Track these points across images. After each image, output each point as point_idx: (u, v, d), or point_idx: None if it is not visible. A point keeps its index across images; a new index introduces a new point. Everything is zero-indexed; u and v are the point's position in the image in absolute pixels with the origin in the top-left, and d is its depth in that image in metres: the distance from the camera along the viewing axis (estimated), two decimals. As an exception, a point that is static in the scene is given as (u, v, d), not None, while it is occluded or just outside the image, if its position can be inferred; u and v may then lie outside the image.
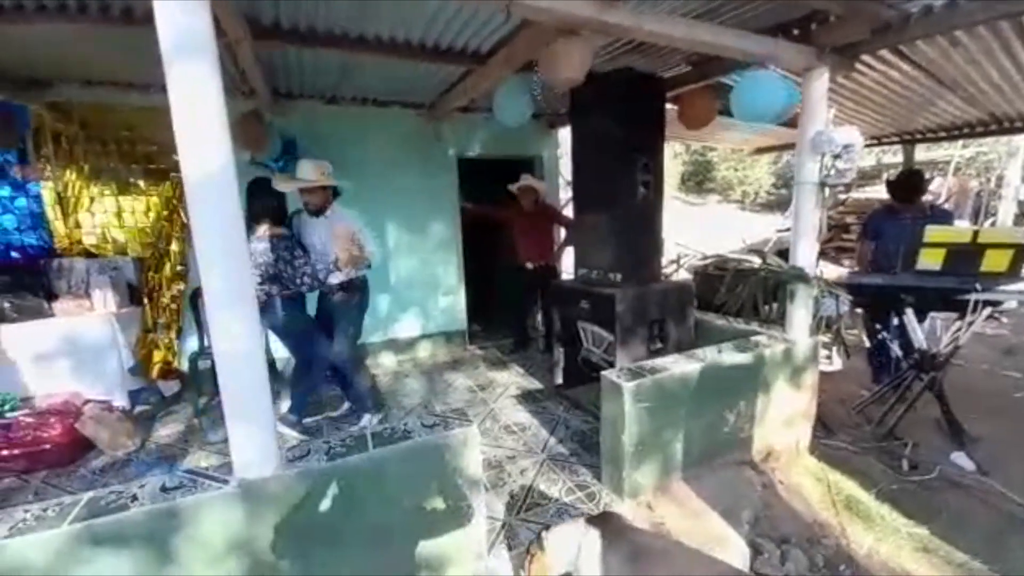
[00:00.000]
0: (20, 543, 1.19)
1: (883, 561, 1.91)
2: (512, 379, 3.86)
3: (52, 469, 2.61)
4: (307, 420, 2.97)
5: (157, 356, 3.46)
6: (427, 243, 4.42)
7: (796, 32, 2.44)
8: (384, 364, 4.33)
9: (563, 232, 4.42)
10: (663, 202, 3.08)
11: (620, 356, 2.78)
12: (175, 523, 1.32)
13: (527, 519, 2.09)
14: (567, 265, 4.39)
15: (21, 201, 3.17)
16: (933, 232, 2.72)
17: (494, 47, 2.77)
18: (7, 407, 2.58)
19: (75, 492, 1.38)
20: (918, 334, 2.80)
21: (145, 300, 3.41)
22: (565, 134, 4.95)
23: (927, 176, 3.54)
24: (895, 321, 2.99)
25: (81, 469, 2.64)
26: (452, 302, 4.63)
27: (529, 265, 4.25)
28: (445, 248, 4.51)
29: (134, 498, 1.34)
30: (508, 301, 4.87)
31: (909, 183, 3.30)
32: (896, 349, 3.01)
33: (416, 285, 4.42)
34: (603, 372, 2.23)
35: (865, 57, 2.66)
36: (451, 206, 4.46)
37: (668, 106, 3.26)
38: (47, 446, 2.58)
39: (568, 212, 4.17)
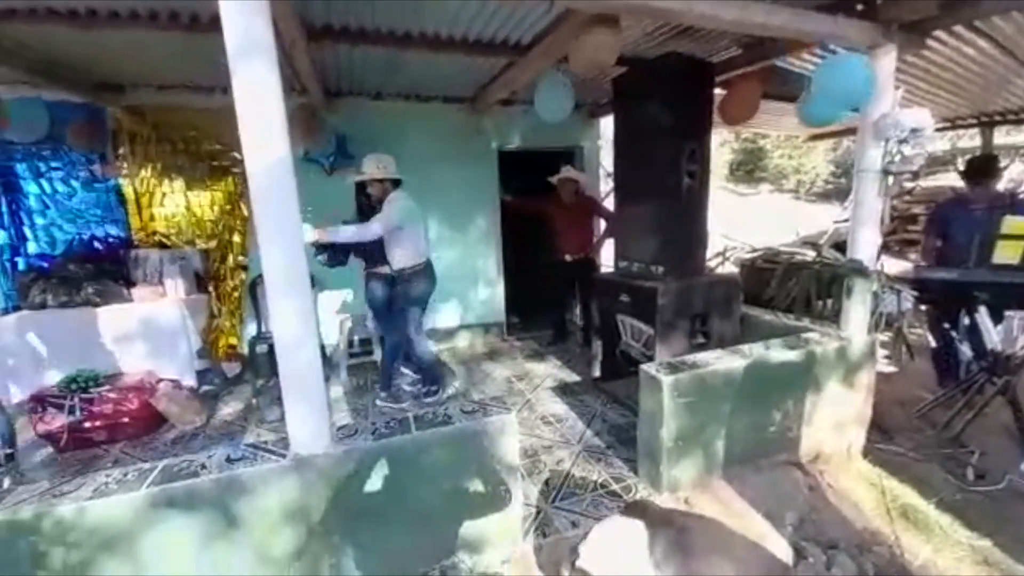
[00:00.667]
0: (103, 504, 1.33)
1: (940, 573, 1.80)
2: (549, 371, 3.88)
3: (129, 440, 2.88)
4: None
5: (222, 340, 3.73)
6: (467, 235, 4.49)
7: (860, 8, 2.28)
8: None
9: (603, 224, 4.37)
10: (709, 192, 2.98)
11: (660, 350, 2.73)
12: (238, 490, 1.44)
13: (562, 507, 2.12)
14: (607, 258, 4.35)
15: (102, 196, 3.50)
16: (1012, 223, 2.49)
17: (535, 38, 2.76)
18: (91, 383, 2.87)
19: (149, 461, 1.53)
20: (992, 334, 2.58)
21: (211, 288, 3.68)
22: (606, 124, 4.88)
23: (1005, 162, 3.22)
24: (966, 320, 2.77)
25: (155, 441, 2.91)
26: (491, 294, 4.69)
27: (568, 257, 4.23)
28: (485, 240, 4.57)
29: (203, 467, 1.47)
30: (547, 293, 4.88)
31: (981, 166, 3.04)
32: (966, 350, 2.79)
33: (456, 276, 4.50)
34: (642, 366, 2.21)
35: (937, 33, 2.45)
36: (491, 199, 4.50)
37: (717, 92, 3.15)
38: (126, 419, 2.86)
39: (608, 204, 4.11)
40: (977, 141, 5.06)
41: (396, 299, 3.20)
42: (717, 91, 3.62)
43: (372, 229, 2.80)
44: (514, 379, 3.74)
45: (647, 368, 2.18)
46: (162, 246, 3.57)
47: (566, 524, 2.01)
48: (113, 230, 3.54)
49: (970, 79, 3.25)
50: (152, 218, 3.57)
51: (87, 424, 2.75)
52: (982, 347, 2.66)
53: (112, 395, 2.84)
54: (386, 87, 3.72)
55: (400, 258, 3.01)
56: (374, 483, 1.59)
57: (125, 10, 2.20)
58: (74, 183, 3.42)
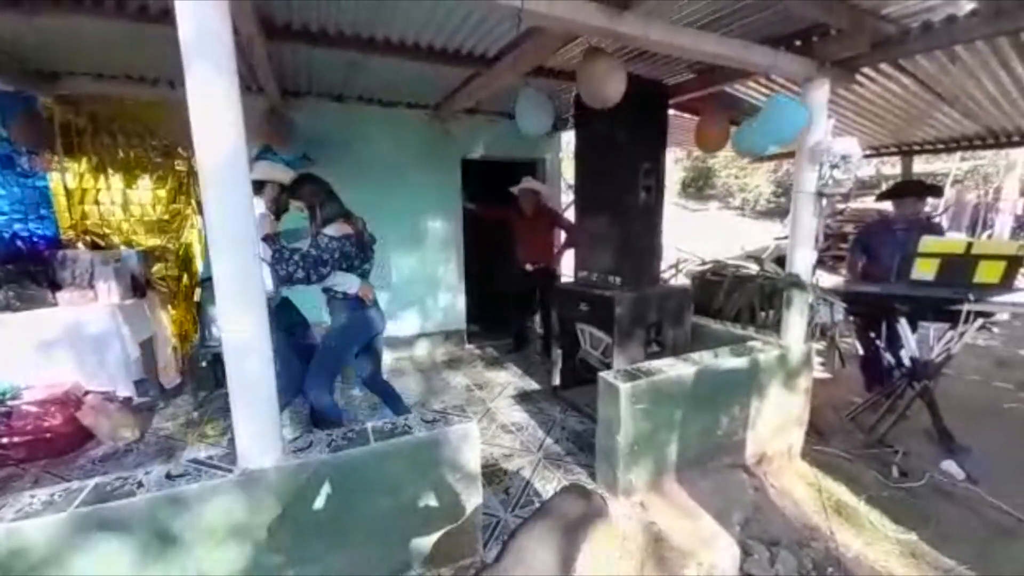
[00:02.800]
0: (27, 526, 1.22)
1: (870, 565, 1.95)
2: (510, 379, 3.89)
3: (52, 458, 2.63)
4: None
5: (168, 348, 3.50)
6: (429, 242, 4.46)
7: (798, 44, 2.49)
8: (384, 360, 4.35)
9: (563, 235, 4.46)
10: (664, 207, 3.12)
11: (618, 358, 2.81)
12: (179, 509, 1.35)
13: (522, 516, 2.12)
14: (567, 268, 4.43)
15: (28, 191, 3.20)
16: (928, 242, 2.76)
17: (501, 51, 2.81)
18: (8, 395, 2.60)
19: (74, 480, 1.41)
20: (911, 343, 2.85)
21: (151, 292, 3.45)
22: (568, 138, 5.01)
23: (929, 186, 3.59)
24: (888, 330, 3.04)
25: (81, 459, 2.67)
26: (452, 301, 4.66)
27: (528, 267, 4.29)
28: (446, 247, 4.55)
29: (140, 484, 1.37)
30: (507, 302, 4.91)
31: (903, 188, 3.39)
32: (889, 357, 3.06)
33: (416, 283, 4.45)
34: (600, 373, 2.27)
35: (865, 70, 2.71)
36: (454, 206, 4.49)
37: (673, 112, 3.31)
38: (48, 435, 2.60)
39: (570, 215, 4.21)
40: (899, 168, 5.59)
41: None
42: (688, 116, 3.83)
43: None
44: (474, 387, 3.72)
45: (605, 375, 2.24)
46: (95, 246, 3.30)
47: (525, 532, 2.01)
48: (39, 228, 3.25)
49: (894, 112, 3.59)
50: (84, 216, 3.30)
51: (3, 440, 2.50)
52: (902, 355, 2.92)
53: (32, 408, 2.59)
54: (347, 89, 3.66)
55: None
56: (328, 497, 1.54)
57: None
58: (-4, 176, 3.12)
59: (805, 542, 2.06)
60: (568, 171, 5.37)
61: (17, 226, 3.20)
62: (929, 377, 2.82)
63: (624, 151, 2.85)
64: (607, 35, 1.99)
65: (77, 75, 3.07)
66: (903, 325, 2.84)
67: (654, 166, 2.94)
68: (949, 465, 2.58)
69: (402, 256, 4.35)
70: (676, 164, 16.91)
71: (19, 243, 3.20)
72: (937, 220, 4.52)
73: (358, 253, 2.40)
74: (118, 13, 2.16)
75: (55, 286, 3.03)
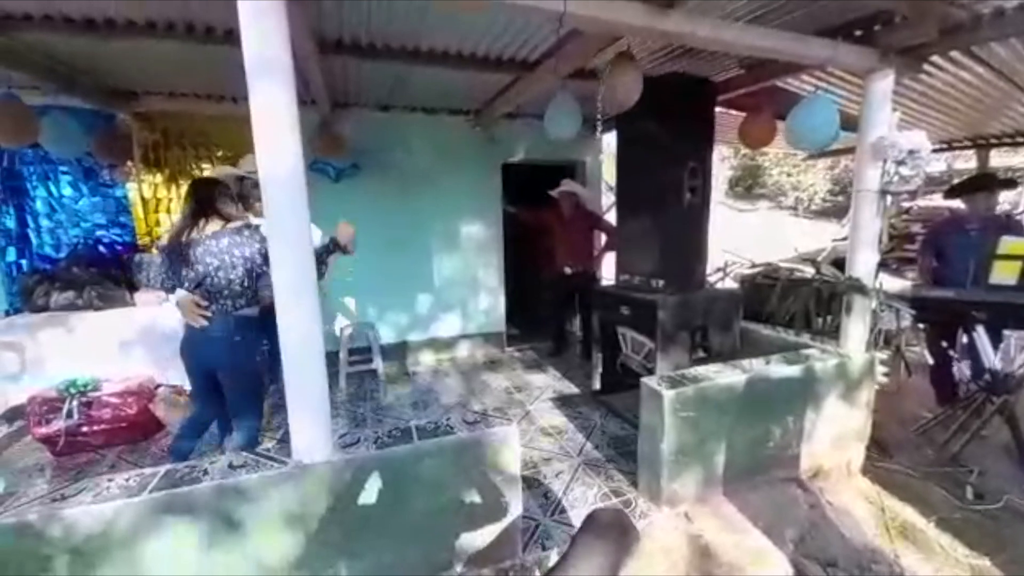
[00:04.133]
0: (103, 508, 1.33)
1: (942, 593, 1.80)
2: (549, 382, 3.88)
3: (127, 445, 2.87)
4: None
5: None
6: (470, 245, 4.53)
7: (858, 34, 2.35)
8: (424, 362, 4.46)
9: (603, 238, 4.41)
10: (710, 208, 3.02)
11: (660, 363, 2.75)
12: (239, 497, 1.44)
13: (561, 521, 2.11)
14: (607, 271, 4.37)
15: (109, 201, 3.53)
16: (1009, 243, 2.53)
17: (542, 56, 2.82)
18: (90, 387, 2.86)
19: (146, 466, 1.53)
20: (989, 354, 2.61)
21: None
22: (609, 139, 4.94)
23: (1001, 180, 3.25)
24: (964, 339, 2.79)
25: (153, 447, 2.89)
26: (492, 304, 4.71)
27: (568, 270, 4.26)
28: (487, 251, 4.60)
29: (205, 472, 1.47)
30: (547, 305, 4.90)
31: (973, 183, 3.09)
32: (964, 369, 2.81)
33: (457, 286, 4.53)
34: (643, 379, 2.22)
35: (934, 58, 2.51)
36: (494, 210, 4.54)
37: (719, 110, 3.20)
38: (124, 424, 2.84)
39: (610, 218, 4.16)
40: (973, 163, 5.14)
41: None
42: (734, 113, 3.70)
43: None
44: (513, 390, 3.73)
45: (648, 381, 2.19)
46: (167, 251, 3.59)
47: (565, 538, 2.00)
48: (118, 234, 3.56)
49: (966, 103, 3.31)
50: (158, 223, 3.60)
51: (85, 428, 2.74)
52: (980, 366, 2.68)
53: (111, 399, 2.83)
54: (393, 99, 3.78)
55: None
56: (375, 492, 1.59)
57: (142, 19, 2.25)
58: (82, 187, 3.45)
59: (866, 564, 1.92)
60: (609, 173, 5.30)
61: (99, 232, 3.53)
62: (1010, 391, 2.57)
63: (668, 151, 2.78)
64: (651, 34, 1.96)
65: (152, 93, 3.35)
66: (980, 333, 2.61)
67: (700, 166, 2.85)
68: (1035, 487, 2.34)
69: (444, 259, 4.44)
70: (723, 162, 16.27)
71: (101, 248, 3.53)
72: (1019, 217, 4.10)
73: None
74: (187, 36, 2.34)
75: (132, 288, 3.32)
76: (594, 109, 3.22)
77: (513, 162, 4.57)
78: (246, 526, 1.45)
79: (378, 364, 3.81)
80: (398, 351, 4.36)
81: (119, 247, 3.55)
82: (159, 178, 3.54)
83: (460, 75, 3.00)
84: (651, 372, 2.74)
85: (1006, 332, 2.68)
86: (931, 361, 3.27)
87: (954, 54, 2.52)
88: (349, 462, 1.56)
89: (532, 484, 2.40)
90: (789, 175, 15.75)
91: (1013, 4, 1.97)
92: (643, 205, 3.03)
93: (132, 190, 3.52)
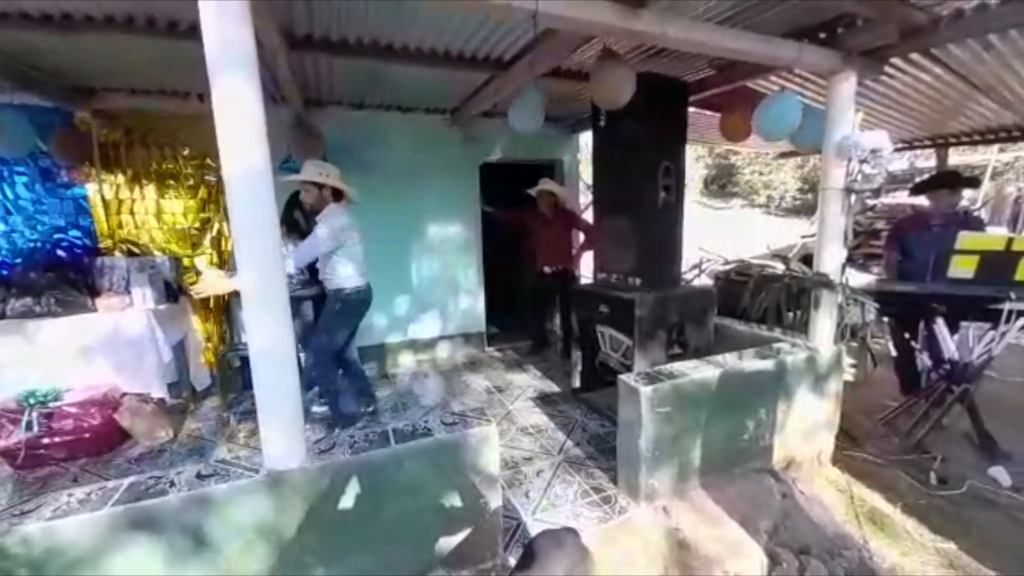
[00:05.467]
0: (63, 524, 1.27)
1: (907, 576, 1.87)
2: (529, 382, 3.89)
3: (91, 457, 2.75)
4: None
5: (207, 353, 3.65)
6: (448, 245, 4.49)
7: (823, 36, 2.41)
8: (403, 364, 4.41)
9: (581, 236, 4.44)
10: (684, 206, 3.07)
11: (638, 360, 2.78)
12: (209, 509, 1.39)
13: (542, 519, 2.12)
14: (585, 269, 4.40)
15: (67, 203, 3.37)
16: (966, 238, 2.64)
17: (517, 54, 2.81)
18: (50, 397, 2.73)
19: (111, 479, 1.46)
20: (949, 344, 2.72)
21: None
22: (585, 138, 4.98)
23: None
24: (924, 331, 2.91)
25: (118, 458, 2.78)
26: (471, 304, 4.68)
27: (547, 269, 4.28)
28: (466, 251, 4.57)
29: (172, 484, 1.42)
30: (526, 304, 4.90)
31: (937, 179, 3.22)
32: (926, 359, 2.93)
33: (436, 286, 4.49)
34: (620, 376, 2.24)
35: (895, 60, 2.60)
36: (472, 209, 4.52)
37: (693, 110, 3.26)
38: (87, 435, 2.72)
39: (588, 217, 4.18)
40: (934, 161, 5.36)
41: (326, 320, 2.88)
42: (709, 113, 3.77)
43: (312, 249, 2.63)
44: (494, 390, 3.72)
45: (625, 378, 2.21)
46: (131, 254, 3.45)
47: (546, 536, 2.00)
48: (78, 237, 3.41)
49: (926, 103, 3.45)
50: (121, 225, 3.45)
51: (46, 440, 2.62)
52: (940, 357, 2.79)
53: (73, 410, 2.71)
54: (367, 97, 3.72)
55: (343, 278, 2.80)
56: (351, 498, 1.56)
57: (101, 14, 2.15)
58: (39, 188, 3.28)
59: (836, 551, 1.99)
60: (586, 172, 5.34)
61: (58, 235, 3.37)
62: (969, 380, 2.69)
63: (642, 150, 2.82)
64: (623, 34, 1.98)
65: (112, 90, 3.21)
66: (940, 325, 2.72)
67: (673, 165, 2.90)
68: (998, 472, 2.46)
69: (422, 259, 4.40)
70: (697, 162, 16.60)
71: (60, 252, 3.37)
72: (977, 214, 4.31)
73: None
74: (148, 31, 2.25)
75: (94, 292, 3.17)
76: (569, 109, 3.24)
77: (491, 161, 4.55)
78: (216, 538, 1.41)
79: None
80: (376, 353, 4.30)
81: (79, 250, 3.40)
82: (121, 178, 3.39)
83: (435, 73, 2.97)
84: (629, 369, 2.77)
85: (964, 323, 2.81)
86: (895, 353, 3.40)
87: (914, 56, 2.62)
88: (324, 468, 1.53)
89: (513, 483, 2.39)
90: (761, 174, 16.17)
91: (970, 6, 2.05)
92: (619, 204, 3.06)
93: (92, 191, 3.36)
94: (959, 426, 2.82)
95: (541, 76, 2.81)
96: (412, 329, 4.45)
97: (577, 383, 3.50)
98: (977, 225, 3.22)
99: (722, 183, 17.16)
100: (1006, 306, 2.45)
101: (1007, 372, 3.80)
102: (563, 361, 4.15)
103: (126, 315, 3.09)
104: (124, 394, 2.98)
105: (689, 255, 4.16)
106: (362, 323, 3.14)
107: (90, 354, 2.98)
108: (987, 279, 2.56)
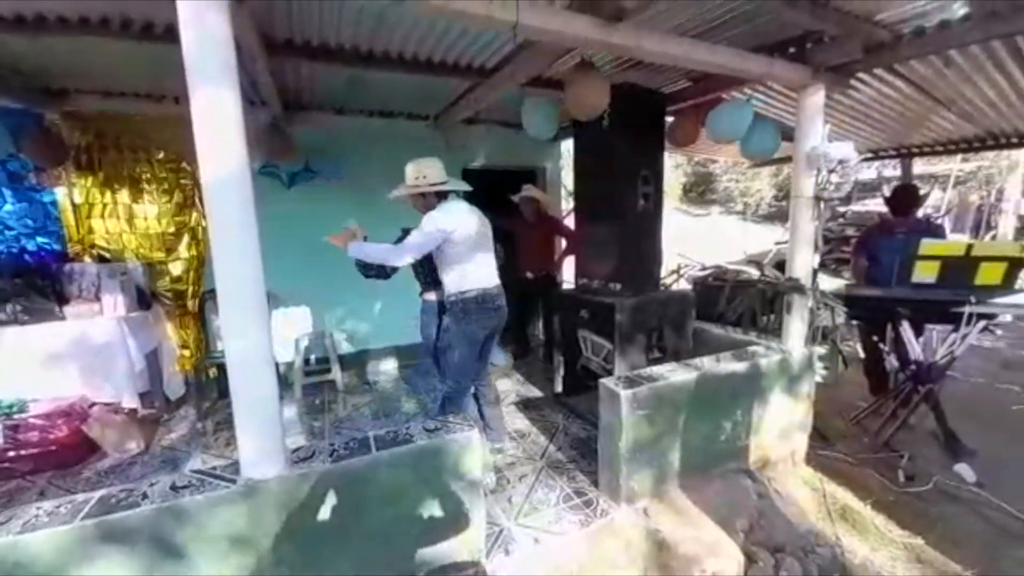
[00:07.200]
0: (33, 538, 1.23)
1: (877, 570, 1.94)
2: (512, 387, 3.89)
3: (58, 470, 2.65)
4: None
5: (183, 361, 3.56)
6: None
7: (792, 51, 2.51)
8: (385, 370, 4.37)
9: (563, 242, 4.48)
10: (663, 213, 3.14)
11: (619, 364, 2.82)
12: (184, 521, 1.37)
13: (525, 524, 2.12)
14: (567, 275, 4.44)
15: (35, 207, 3.25)
16: (928, 245, 2.76)
17: (499, 63, 2.85)
18: (15, 409, 2.63)
19: (80, 492, 1.42)
20: (914, 346, 2.84)
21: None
22: (568, 145, 5.04)
23: (923, 190, 3.56)
24: (891, 333, 3.03)
25: (87, 471, 2.69)
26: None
27: (529, 274, 4.30)
28: (448, 256, 4.55)
29: (144, 496, 1.38)
30: (509, 309, 4.90)
31: (904, 197, 3.36)
32: (893, 361, 3.04)
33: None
34: (601, 380, 2.27)
35: (860, 75, 2.73)
36: (454, 215, 4.51)
37: (671, 120, 3.34)
38: (54, 447, 2.63)
39: (569, 223, 4.23)
40: (899, 171, 5.59)
41: (443, 333, 2.65)
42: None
43: (401, 254, 2.41)
44: (477, 396, 3.71)
45: (606, 382, 2.25)
46: (101, 259, 3.35)
47: (529, 541, 2.01)
48: (46, 243, 3.29)
49: (891, 116, 3.60)
50: (91, 230, 3.35)
51: (11, 453, 2.53)
52: (906, 358, 2.91)
53: (38, 421, 2.62)
54: (348, 102, 3.70)
55: (449, 282, 2.57)
56: (332, 507, 1.54)
57: (75, 15, 2.11)
58: (5, 192, 3.16)
59: (810, 548, 2.04)
60: (568, 179, 5.39)
61: (25, 241, 3.25)
62: (933, 380, 2.80)
63: (622, 159, 2.88)
64: (601, 47, 2.02)
65: (85, 92, 3.13)
66: (906, 328, 2.83)
67: (652, 173, 2.96)
68: (962, 468, 2.56)
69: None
70: (677, 169, 16.93)
71: (27, 257, 3.25)
72: (940, 222, 4.51)
73: None
74: (123, 33, 2.21)
75: (62, 300, 3.07)
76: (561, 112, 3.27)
77: (474, 167, 4.56)
78: (191, 551, 1.38)
79: (336, 374, 3.70)
80: (358, 360, 4.25)
81: (47, 256, 3.28)
82: (92, 182, 3.30)
83: (416, 79, 2.98)
84: (610, 373, 2.80)
85: (928, 326, 2.94)
86: (864, 355, 3.52)
87: (878, 71, 2.75)
88: (303, 477, 1.51)
89: (496, 488, 2.39)
90: (738, 182, 16.58)
91: (933, 23, 2.17)
92: (599, 211, 3.11)
93: (62, 195, 3.26)
94: (925, 425, 2.93)
95: (523, 84, 2.85)
96: (394, 336, 4.42)
97: (559, 387, 3.52)
98: (939, 232, 3.38)
99: (701, 190, 17.53)
100: (967, 309, 2.57)
101: (970, 372, 3.97)
102: (546, 366, 4.17)
103: (96, 323, 2.99)
104: (93, 404, 2.89)
105: (669, 261, 4.24)
106: (343, 329, 3.08)
107: (58, 363, 2.88)
108: (949, 284, 2.69)
